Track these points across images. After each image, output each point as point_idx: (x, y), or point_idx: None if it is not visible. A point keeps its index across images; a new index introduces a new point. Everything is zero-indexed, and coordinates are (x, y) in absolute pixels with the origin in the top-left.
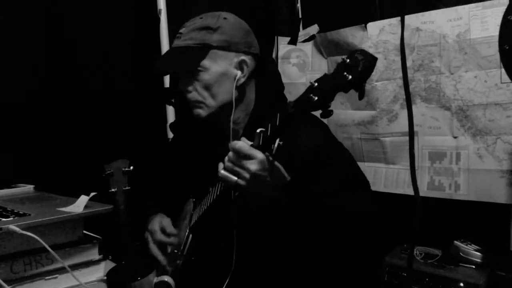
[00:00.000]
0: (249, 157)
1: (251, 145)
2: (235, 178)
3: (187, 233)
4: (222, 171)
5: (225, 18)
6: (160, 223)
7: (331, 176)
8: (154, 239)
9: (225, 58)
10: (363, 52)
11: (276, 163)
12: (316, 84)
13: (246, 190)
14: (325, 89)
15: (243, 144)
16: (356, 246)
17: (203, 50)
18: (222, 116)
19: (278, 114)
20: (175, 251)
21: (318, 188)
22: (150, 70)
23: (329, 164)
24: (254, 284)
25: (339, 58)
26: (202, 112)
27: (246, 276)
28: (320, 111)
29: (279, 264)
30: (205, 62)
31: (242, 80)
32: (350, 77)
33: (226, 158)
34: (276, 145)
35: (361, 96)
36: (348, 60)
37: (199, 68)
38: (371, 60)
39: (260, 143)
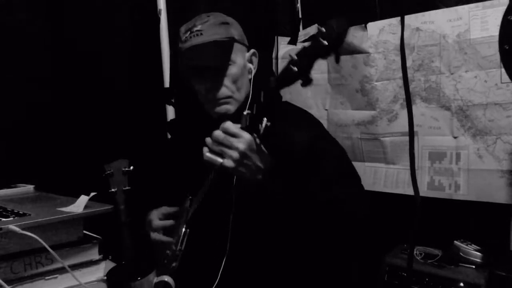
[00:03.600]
0: (236, 137)
1: (242, 126)
2: (220, 159)
3: (184, 229)
4: (207, 153)
5: (226, 16)
6: (157, 213)
7: (324, 168)
8: (152, 228)
9: (242, 51)
10: (337, 19)
11: (262, 146)
12: (296, 57)
13: (231, 172)
14: (304, 58)
15: (231, 124)
16: (349, 238)
17: (230, 43)
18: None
19: (262, 92)
20: (173, 248)
21: (311, 179)
22: (149, 70)
23: (322, 156)
24: (249, 271)
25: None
26: (231, 107)
27: (240, 263)
28: (301, 82)
29: (271, 250)
30: (233, 56)
31: (254, 72)
32: (325, 42)
33: (210, 140)
34: (263, 125)
35: (337, 60)
36: (323, 29)
37: (229, 62)
38: (344, 25)
39: (247, 123)
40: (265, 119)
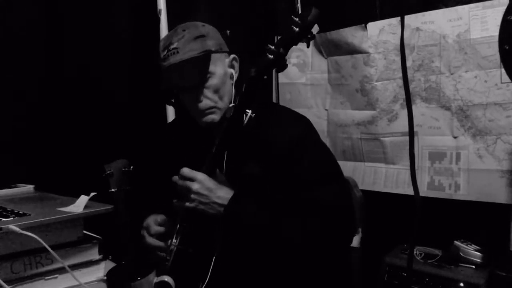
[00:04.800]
0: (191, 179)
1: (227, 117)
2: (184, 202)
3: (177, 227)
4: (175, 201)
5: (203, 25)
6: (154, 219)
7: (304, 169)
8: (149, 233)
9: (221, 59)
10: (309, 9)
11: (219, 179)
12: (272, 47)
13: (195, 211)
14: (279, 46)
15: (186, 169)
16: (329, 239)
17: (207, 57)
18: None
19: (244, 84)
20: (168, 243)
21: (295, 177)
22: (157, 82)
23: (308, 154)
24: (239, 269)
25: (339, 58)
26: (216, 116)
27: (231, 261)
28: (275, 68)
29: (259, 262)
30: (211, 67)
31: (236, 76)
32: (297, 29)
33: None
34: (248, 116)
35: (308, 45)
36: (297, 19)
37: (208, 75)
38: (316, 15)
39: (232, 114)
40: (249, 111)
